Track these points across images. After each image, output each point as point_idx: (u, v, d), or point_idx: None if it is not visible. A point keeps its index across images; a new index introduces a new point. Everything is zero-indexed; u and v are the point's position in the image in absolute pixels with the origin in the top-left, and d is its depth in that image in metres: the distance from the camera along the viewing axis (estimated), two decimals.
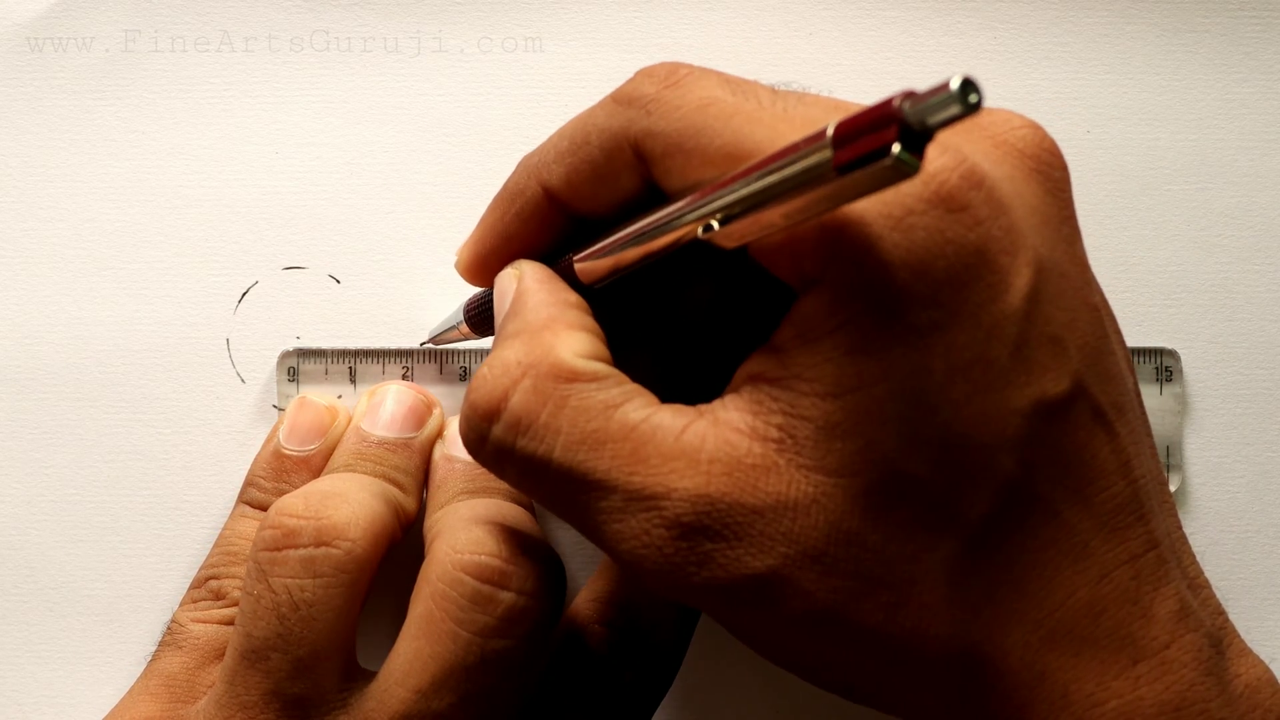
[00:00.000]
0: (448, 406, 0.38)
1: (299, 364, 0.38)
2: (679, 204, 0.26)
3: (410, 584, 0.31)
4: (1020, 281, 0.25)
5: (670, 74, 0.27)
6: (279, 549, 0.30)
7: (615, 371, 0.27)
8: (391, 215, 0.39)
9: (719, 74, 0.27)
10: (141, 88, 0.39)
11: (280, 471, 0.36)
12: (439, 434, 0.37)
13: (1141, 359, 0.38)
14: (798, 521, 0.25)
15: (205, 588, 0.35)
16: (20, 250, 0.39)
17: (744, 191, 0.24)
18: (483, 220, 0.32)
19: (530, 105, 0.39)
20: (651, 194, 0.28)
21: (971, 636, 0.25)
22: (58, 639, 0.38)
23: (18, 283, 0.39)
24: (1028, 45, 0.39)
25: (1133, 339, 0.38)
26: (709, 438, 0.26)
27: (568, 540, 0.38)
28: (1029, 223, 0.25)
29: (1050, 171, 0.26)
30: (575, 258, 0.29)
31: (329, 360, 0.38)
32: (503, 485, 0.35)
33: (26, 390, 0.39)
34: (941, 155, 0.25)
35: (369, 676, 0.31)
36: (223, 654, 0.33)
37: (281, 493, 0.35)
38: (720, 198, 0.25)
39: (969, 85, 0.20)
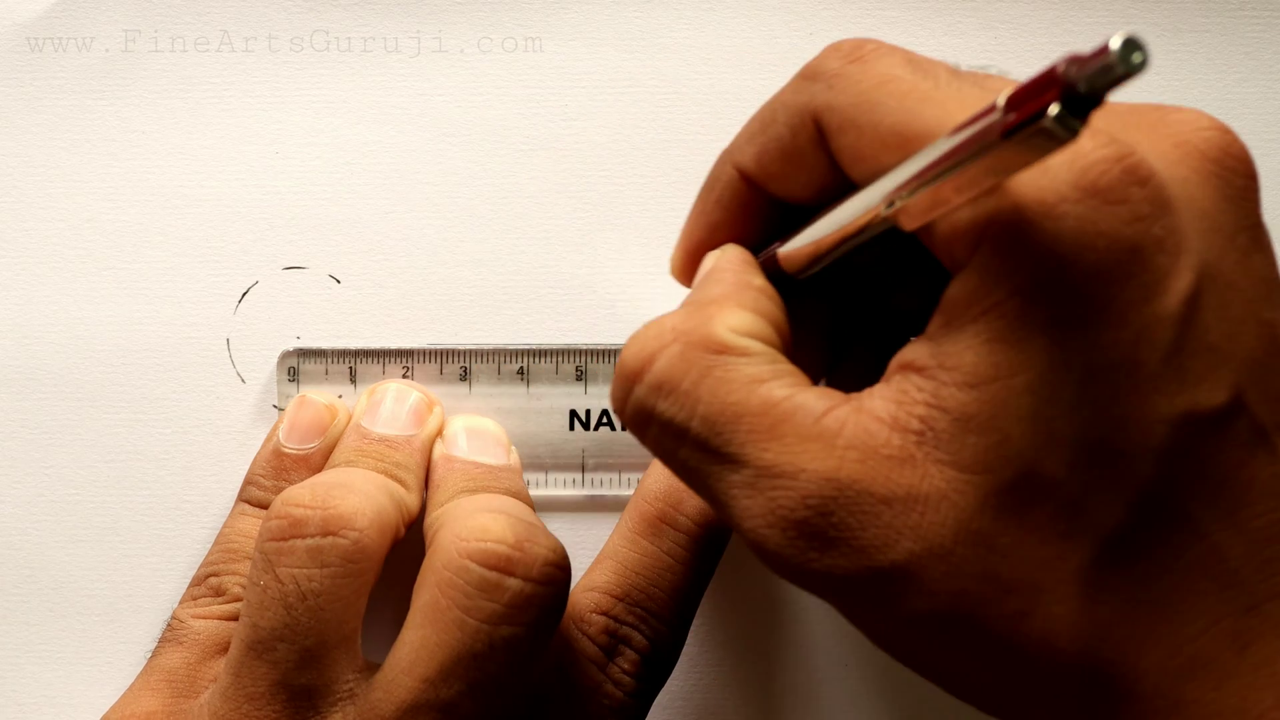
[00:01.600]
0: (448, 406, 0.38)
1: (299, 364, 0.38)
2: (869, 187, 0.26)
3: (411, 581, 0.31)
4: (1179, 285, 0.24)
5: (855, 49, 0.27)
6: (285, 539, 0.30)
7: (770, 350, 0.27)
8: (391, 215, 0.39)
9: (905, 52, 0.27)
10: (141, 88, 0.39)
11: (280, 470, 0.36)
12: (439, 433, 0.37)
13: None
14: (926, 516, 0.24)
15: (205, 585, 0.35)
16: (20, 250, 0.39)
17: (920, 165, 0.24)
18: (687, 218, 0.31)
19: (530, 105, 0.39)
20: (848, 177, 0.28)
21: (1102, 654, 0.24)
22: (58, 639, 0.38)
23: (18, 283, 0.39)
24: (1028, 45, 0.39)
25: None
26: (849, 424, 0.25)
27: (566, 539, 0.38)
28: (1196, 227, 0.24)
29: (1232, 177, 0.25)
30: (779, 246, 0.29)
31: (329, 360, 0.38)
32: (502, 484, 0.35)
33: (26, 390, 0.39)
34: (1106, 146, 0.24)
35: (374, 667, 0.31)
36: (224, 649, 0.33)
37: (281, 491, 0.35)
38: (900, 174, 0.24)
39: (1131, 44, 0.20)
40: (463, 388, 0.38)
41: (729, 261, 0.29)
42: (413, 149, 0.39)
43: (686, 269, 0.32)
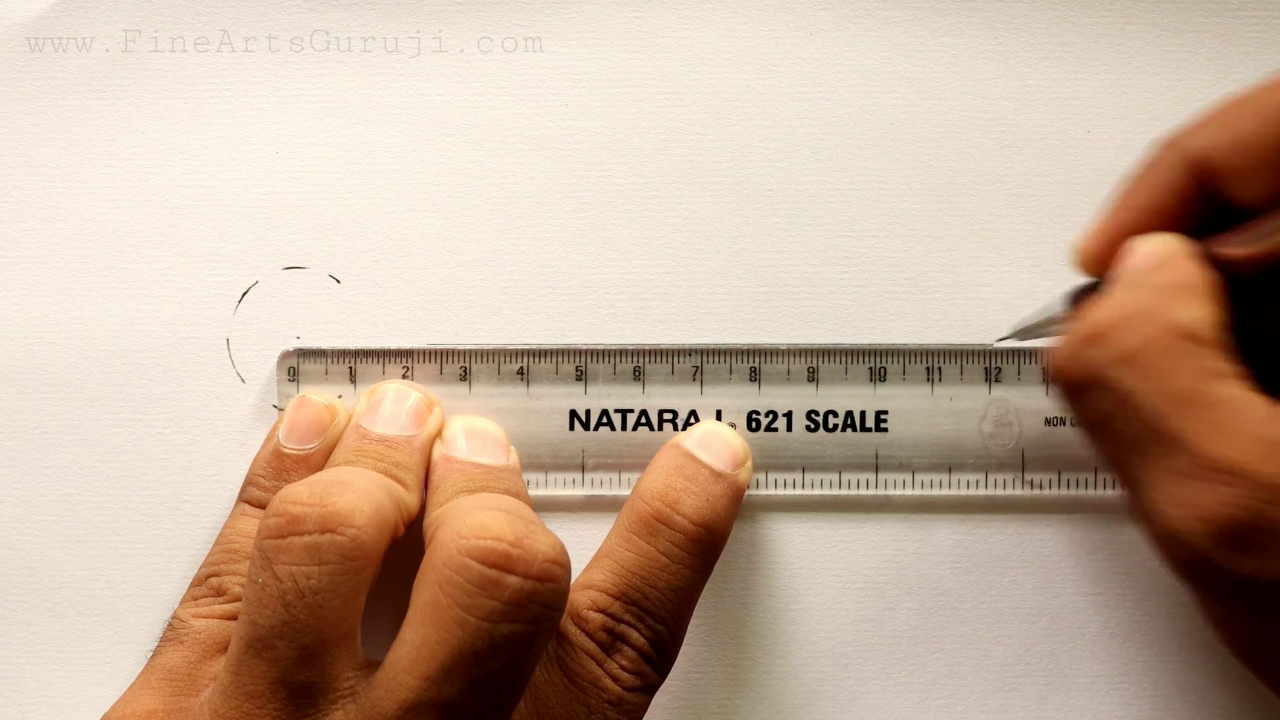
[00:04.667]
0: (448, 406, 0.38)
1: (299, 364, 0.38)
2: None
3: (410, 580, 0.31)
4: None
5: None
6: (284, 536, 0.30)
7: (1224, 348, 0.27)
8: (391, 215, 0.39)
9: None
10: (141, 88, 0.39)
11: (280, 470, 0.36)
12: (439, 433, 0.37)
13: None
14: None
15: (206, 585, 0.35)
16: (20, 250, 0.39)
17: None
18: (1111, 200, 0.32)
19: (530, 105, 0.39)
20: None
21: None
22: (58, 639, 0.38)
23: (18, 283, 0.39)
24: (1028, 45, 0.39)
25: None
26: None
27: (566, 538, 0.38)
28: None
29: None
30: (1220, 239, 0.30)
31: (329, 360, 0.38)
32: (502, 484, 0.35)
33: (26, 390, 0.39)
34: None
35: (374, 665, 0.31)
36: (224, 648, 0.33)
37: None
38: None
39: None
40: (463, 388, 0.38)
41: (1180, 252, 0.30)
42: (413, 149, 0.39)
43: (1102, 251, 0.32)
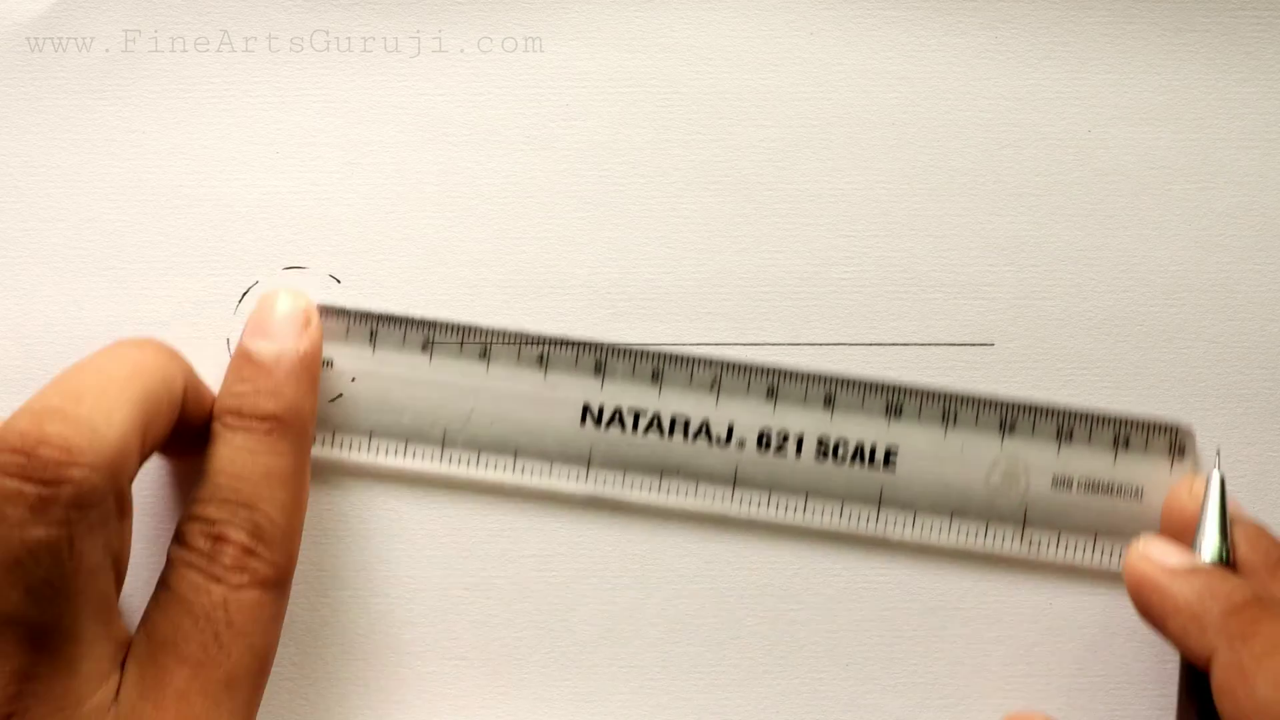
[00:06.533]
0: (464, 384, 0.37)
1: (321, 319, 0.38)
2: None
3: None
4: None
5: None
6: None
7: None
8: (391, 215, 0.39)
9: None
10: (141, 88, 0.39)
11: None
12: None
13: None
14: None
15: None
16: (20, 250, 0.39)
17: None
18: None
19: (530, 105, 0.39)
20: None
21: None
22: None
23: (18, 283, 0.39)
24: (1029, 44, 0.39)
25: (1133, 340, 0.38)
26: None
27: (566, 537, 0.38)
28: None
29: None
30: None
31: (351, 320, 0.38)
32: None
33: (27, 390, 0.38)
34: None
35: None
36: None
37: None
38: None
39: None
40: (480, 366, 0.38)
41: None
42: (413, 149, 0.39)
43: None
